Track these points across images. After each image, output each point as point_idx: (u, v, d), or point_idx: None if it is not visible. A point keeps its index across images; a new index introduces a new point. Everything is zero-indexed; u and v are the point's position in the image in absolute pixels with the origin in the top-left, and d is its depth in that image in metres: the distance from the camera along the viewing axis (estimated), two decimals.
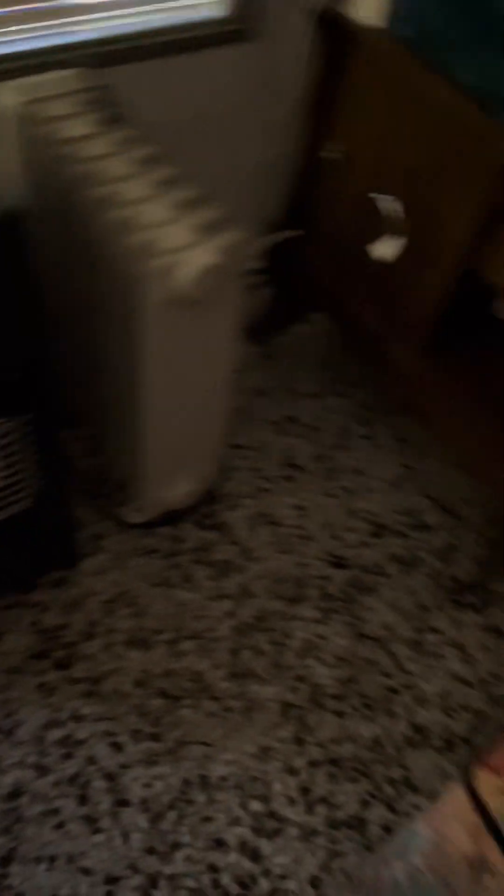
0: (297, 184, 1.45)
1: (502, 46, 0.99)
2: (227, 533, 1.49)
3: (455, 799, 0.81)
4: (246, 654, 1.34)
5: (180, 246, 0.99)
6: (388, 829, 1.19)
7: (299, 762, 1.24)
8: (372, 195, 1.23)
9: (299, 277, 1.52)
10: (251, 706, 1.28)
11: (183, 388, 1.18)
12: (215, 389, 1.25)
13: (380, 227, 1.25)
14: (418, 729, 1.29)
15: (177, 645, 1.33)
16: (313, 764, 1.24)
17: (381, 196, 1.21)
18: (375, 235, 1.27)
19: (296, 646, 1.36)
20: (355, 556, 1.49)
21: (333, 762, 1.24)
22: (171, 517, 1.47)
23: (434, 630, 1.41)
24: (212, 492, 1.52)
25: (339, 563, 1.48)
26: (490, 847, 0.75)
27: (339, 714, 1.29)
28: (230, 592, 1.41)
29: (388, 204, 1.20)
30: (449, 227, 1.15)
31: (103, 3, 1.29)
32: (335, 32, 1.19)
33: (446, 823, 0.83)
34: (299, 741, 1.26)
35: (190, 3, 1.35)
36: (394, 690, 1.33)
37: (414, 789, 1.23)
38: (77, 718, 1.23)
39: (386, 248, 1.23)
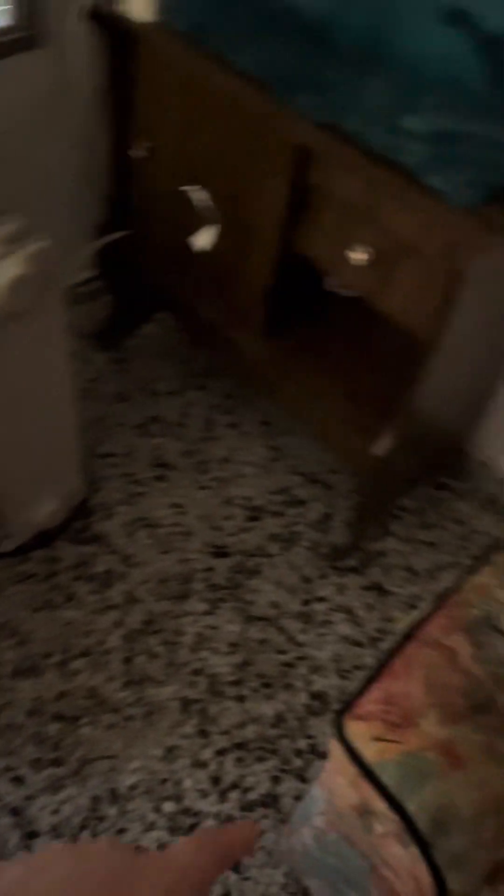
0: (115, 185, 1.44)
1: (271, 31, 1.02)
2: (105, 543, 1.47)
3: (335, 754, 0.84)
4: (139, 659, 1.33)
5: None
6: (300, 800, 1.21)
7: (206, 754, 1.24)
8: (182, 188, 1.25)
9: (133, 278, 1.52)
10: (151, 710, 1.28)
11: (22, 406, 1.15)
12: (59, 401, 1.23)
13: (196, 218, 1.27)
14: (317, 696, 1.33)
15: (67, 665, 1.31)
16: (220, 752, 1.25)
17: (191, 188, 1.23)
18: (194, 227, 1.29)
19: (188, 641, 1.37)
20: (236, 542, 1.51)
21: (240, 746, 1.26)
22: (44, 538, 1.44)
23: (320, 599, 1.45)
24: (83, 505, 1.50)
25: (220, 552, 1.49)
26: (370, 793, 0.78)
27: (240, 699, 1.31)
28: (115, 602, 1.40)
29: (197, 194, 1.22)
30: (258, 210, 1.18)
31: None
32: (111, 30, 1.19)
33: (332, 779, 0.86)
34: (204, 733, 1.26)
35: None
36: (289, 665, 1.36)
37: (321, 756, 1.27)
38: None
39: (203, 239, 1.25)
